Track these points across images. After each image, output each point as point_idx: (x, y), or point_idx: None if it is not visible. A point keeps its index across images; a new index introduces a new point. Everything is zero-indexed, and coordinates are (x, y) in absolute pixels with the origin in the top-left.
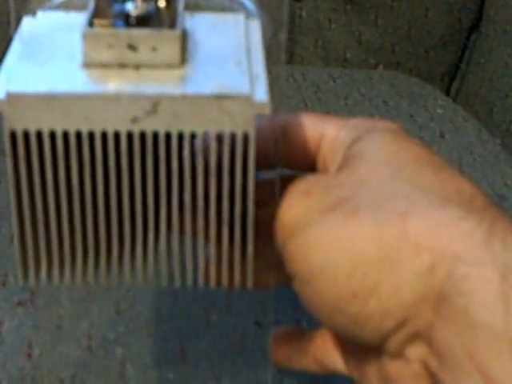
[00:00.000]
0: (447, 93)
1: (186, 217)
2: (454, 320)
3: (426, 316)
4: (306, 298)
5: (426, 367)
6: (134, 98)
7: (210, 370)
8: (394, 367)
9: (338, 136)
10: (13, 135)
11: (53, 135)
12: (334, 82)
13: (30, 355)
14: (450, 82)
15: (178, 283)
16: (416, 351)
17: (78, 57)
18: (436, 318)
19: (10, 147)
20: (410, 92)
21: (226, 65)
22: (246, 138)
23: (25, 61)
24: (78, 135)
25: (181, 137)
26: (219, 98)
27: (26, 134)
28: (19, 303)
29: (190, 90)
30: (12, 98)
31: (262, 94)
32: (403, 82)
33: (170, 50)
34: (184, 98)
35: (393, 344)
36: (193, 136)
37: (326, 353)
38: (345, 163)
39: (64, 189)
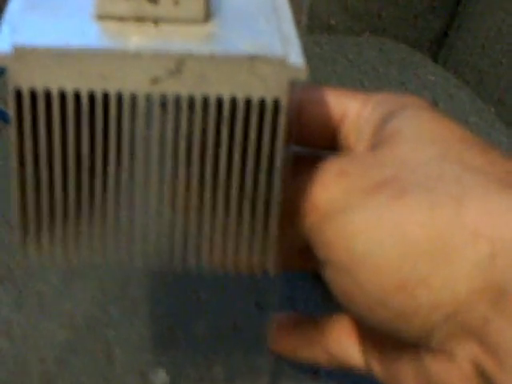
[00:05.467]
0: (435, 61)
1: (205, 190)
2: None
3: (480, 311)
4: (342, 288)
5: (477, 367)
6: (157, 55)
7: (203, 353)
8: (438, 365)
9: (363, 113)
10: (18, 94)
11: (62, 95)
12: (321, 48)
13: (9, 335)
14: (437, 49)
15: (179, 266)
16: (466, 349)
17: (88, 8)
18: (493, 313)
19: (13, 107)
20: (399, 59)
21: (254, 22)
22: (276, 105)
23: (29, 11)
24: (91, 97)
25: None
26: (251, 59)
27: (33, 93)
28: None
29: (219, 49)
30: (19, 51)
31: (297, 57)
32: (392, 49)
33: (194, 4)
34: (212, 57)
35: (439, 340)
36: (218, 101)
37: (339, 344)
38: (380, 142)
39: (73, 156)
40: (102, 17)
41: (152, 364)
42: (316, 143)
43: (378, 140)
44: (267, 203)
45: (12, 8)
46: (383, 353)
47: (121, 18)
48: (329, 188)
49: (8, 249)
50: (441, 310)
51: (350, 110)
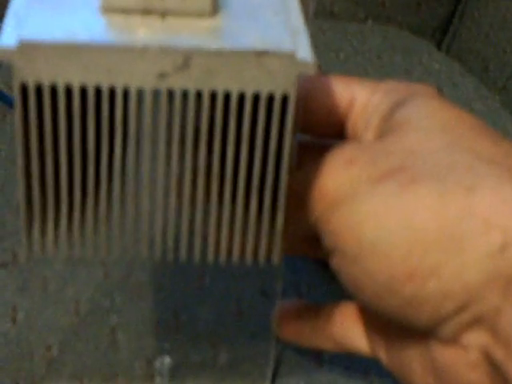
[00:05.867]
0: (438, 49)
1: (212, 183)
2: None
3: (491, 300)
4: (351, 276)
5: (487, 356)
6: (164, 50)
7: (207, 339)
8: (446, 354)
9: (371, 101)
10: (23, 88)
11: (68, 90)
12: (325, 35)
13: (14, 320)
14: (441, 37)
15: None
16: (476, 338)
17: (94, 0)
18: (504, 303)
19: (19, 102)
20: (403, 46)
21: (262, 14)
22: (285, 99)
23: (35, 3)
24: (97, 91)
25: (212, 96)
26: (260, 54)
27: (39, 88)
28: (1, 265)
29: (227, 43)
30: (25, 46)
31: (305, 51)
32: (395, 36)
33: None
34: (220, 52)
35: (448, 329)
36: (226, 96)
37: (344, 331)
38: (389, 131)
39: (78, 150)
40: (108, 10)
41: (156, 350)
42: (323, 131)
43: (387, 129)
44: (274, 195)
45: (17, 1)
46: (389, 340)
47: (127, 11)
48: (337, 176)
49: (12, 234)
50: (451, 299)
51: (358, 97)
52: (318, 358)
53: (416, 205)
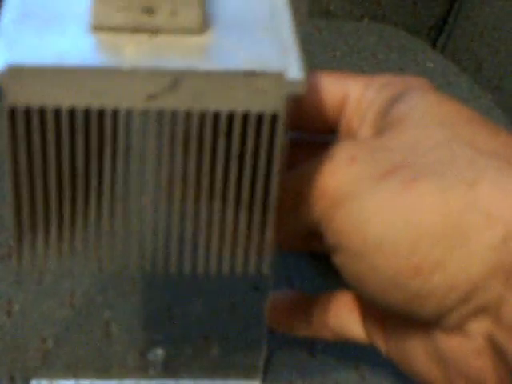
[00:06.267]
0: (433, 48)
1: (201, 200)
2: None
3: (495, 290)
4: (355, 273)
5: (492, 342)
6: (153, 72)
7: (200, 332)
8: (450, 342)
9: (365, 96)
10: (12, 112)
11: (57, 112)
12: (320, 34)
13: (9, 312)
14: (436, 36)
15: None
16: (480, 326)
17: (85, 16)
18: (507, 291)
19: (8, 126)
20: (398, 45)
21: (252, 31)
22: (274, 118)
23: (23, 22)
24: (86, 113)
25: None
26: (248, 74)
27: (28, 111)
28: None
29: (216, 64)
30: (14, 70)
31: (296, 69)
32: (391, 35)
33: (192, 14)
34: (209, 74)
35: (453, 319)
36: (215, 116)
37: (340, 319)
38: (387, 127)
39: (68, 170)
40: (97, 28)
41: (150, 342)
42: (316, 128)
43: (385, 125)
44: (264, 210)
45: (5, 21)
46: (388, 329)
47: (117, 30)
48: (338, 175)
49: (8, 228)
50: (456, 291)
51: (352, 92)
52: (310, 348)
53: (419, 201)
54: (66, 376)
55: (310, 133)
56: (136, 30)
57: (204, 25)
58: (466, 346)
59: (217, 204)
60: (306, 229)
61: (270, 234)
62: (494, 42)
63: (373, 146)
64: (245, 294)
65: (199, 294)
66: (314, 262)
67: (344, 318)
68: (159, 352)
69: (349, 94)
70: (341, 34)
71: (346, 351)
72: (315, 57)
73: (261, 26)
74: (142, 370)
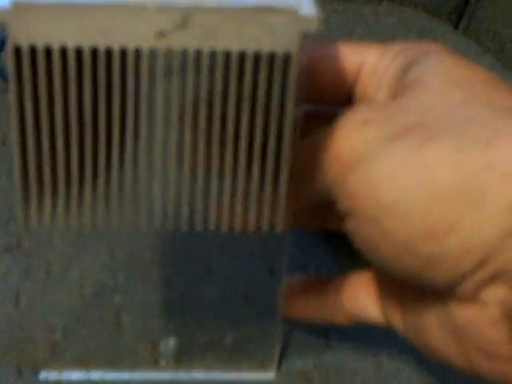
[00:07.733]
0: (455, 30)
1: (212, 149)
2: None
3: (510, 254)
4: (368, 238)
5: (507, 311)
6: (163, 9)
7: (213, 320)
8: (465, 313)
9: (381, 62)
10: (17, 51)
11: (63, 51)
12: (340, 16)
13: (18, 303)
14: (458, 18)
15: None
16: (495, 293)
17: None
18: None
19: (13, 66)
20: (418, 26)
21: None
22: (287, 58)
23: None
24: (93, 52)
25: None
26: (261, 11)
27: (33, 50)
28: (6, 249)
29: (227, 0)
30: (19, 7)
31: (309, 7)
32: (411, 17)
33: None
34: (220, 10)
35: (467, 287)
36: (226, 55)
37: (356, 301)
38: (403, 90)
39: (75, 115)
40: None
41: (161, 331)
42: (331, 99)
43: (401, 87)
44: (277, 161)
45: None
46: (404, 305)
47: None
48: (352, 137)
49: (15, 217)
50: (470, 256)
51: (368, 60)
52: (326, 338)
53: (435, 161)
54: (75, 367)
55: (326, 105)
56: None
57: None
58: (481, 317)
59: (229, 152)
60: (320, 197)
61: (283, 186)
62: None
63: (387, 108)
64: (259, 280)
65: (212, 281)
66: (330, 247)
67: (360, 298)
68: (171, 342)
69: (364, 61)
70: (360, 17)
71: (362, 340)
72: (334, 39)
73: None
74: (154, 361)
